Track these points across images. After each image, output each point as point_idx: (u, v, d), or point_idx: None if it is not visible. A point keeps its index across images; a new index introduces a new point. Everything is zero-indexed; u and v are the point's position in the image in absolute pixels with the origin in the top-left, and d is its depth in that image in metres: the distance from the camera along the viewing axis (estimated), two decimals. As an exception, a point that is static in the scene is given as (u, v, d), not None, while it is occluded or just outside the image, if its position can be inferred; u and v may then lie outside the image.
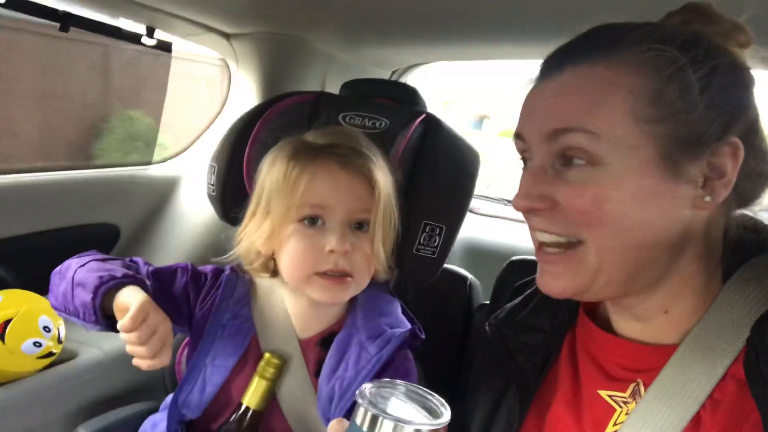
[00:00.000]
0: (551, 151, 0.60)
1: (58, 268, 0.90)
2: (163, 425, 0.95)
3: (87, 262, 0.86)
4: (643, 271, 0.60)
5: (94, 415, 1.14)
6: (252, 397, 0.84)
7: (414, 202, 0.94)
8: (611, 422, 0.63)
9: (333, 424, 0.58)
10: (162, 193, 1.49)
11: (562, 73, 0.60)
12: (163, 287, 0.92)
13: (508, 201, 2.04)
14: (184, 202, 1.49)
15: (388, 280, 0.96)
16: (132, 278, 0.82)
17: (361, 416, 0.49)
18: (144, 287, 0.82)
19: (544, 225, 0.61)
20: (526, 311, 0.76)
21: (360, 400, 0.50)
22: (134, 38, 1.27)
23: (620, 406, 0.63)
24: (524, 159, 0.65)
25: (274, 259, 0.89)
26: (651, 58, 0.56)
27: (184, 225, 1.47)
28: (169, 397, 1.02)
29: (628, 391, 0.63)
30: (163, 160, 1.54)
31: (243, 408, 0.84)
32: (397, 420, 0.48)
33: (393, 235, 0.89)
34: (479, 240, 1.88)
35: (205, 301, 0.93)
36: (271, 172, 0.87)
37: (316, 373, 0.88)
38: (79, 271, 0.84)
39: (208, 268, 0.98)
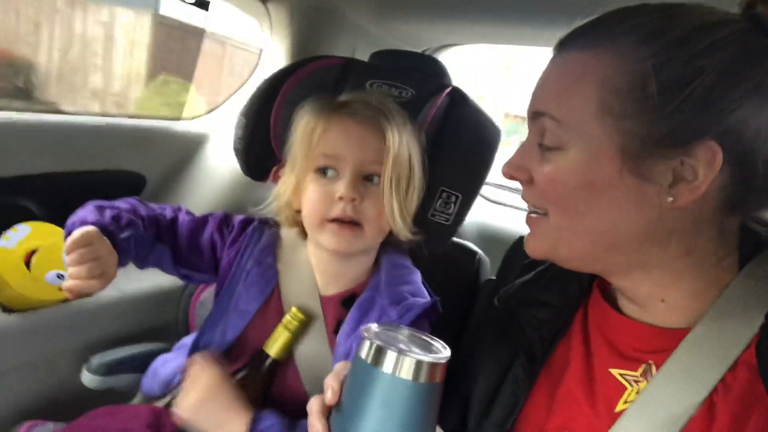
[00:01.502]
0: (535, 129, 0.63)
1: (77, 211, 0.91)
2: (174, 364, 0.99)
3: (87, 207, 0.89)
4: (609, 255, 0.62)
5: (107, 348, 1.19)
6: (274, 345, 0.87)
7: (432, 169, 0.96)
8: (621, 400, 0.63)
9: (338, 365, 0.60)
10: (189, 148, 1.52)
11: (557, 57, 0.63)
12: (191, 234, 0.97)
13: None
14: (210, 158, 1.53)
15: (411, 247, 0.98)
16: (94, 223, 0.83)
17: (366, 349, 0.51)
18: (111, 235, 0.82)
19: (524, 194, 0.67)
20: (538, 287, 0.77)
21: (365, 335, 0.51)
22: (174, -6, 1.30)
23: (631, 385, 0.63)
24: None
25: (300, 213, 0.93)
26: (629, 52, 0.55)
27: (208, 180, 1.50)
28: (185, 339, 1.06)
29: (640, 371, 0.63)
30: (193, 118, 1.58)
31: (264, 355, 0.87)
32: (401, 351, 0.49)
33: (413, 195, 0.92)
34: (492, 225, 1.90)
35: (231, 247, 0.97)
36: (297, 128, 0.92)
37: (335, 330, 0.90)
38: (75, 214, 0.88)
39: (238, 218, 1.02)
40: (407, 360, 0.49)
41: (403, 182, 0.89)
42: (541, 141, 0.62)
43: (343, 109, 0.90)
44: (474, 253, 1.22)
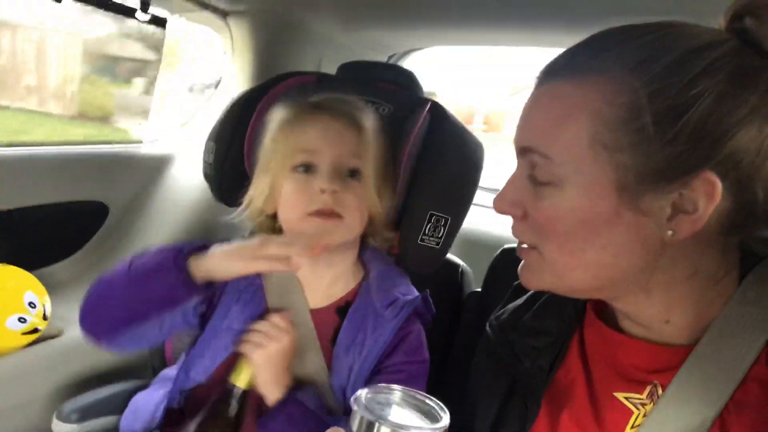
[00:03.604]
0: (524, 164, 0.60)
1: (92, 291, 0.87)
2: (156, 398, 0.94)
3: (129, 266, 0.85)
4: (612, 286, 0.60)
5: (79, 392, 1.12)
6: (240, 377, 0.84)
7: (420, 193, 0.95)
8: (629, 425, 0.61)
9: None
10: (154, 171, 1.46)
11: (544, 87, 0.59)
12: None
13: None
14: (176, 180, 1.47)
15: (392, 248, 0.97)
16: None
17: (357, 423, 0.48)
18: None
19: (515, 230, 0.63)
20: (531, 313, 0.74)
21: (355, 407, 0.48)
22: (128, 12, 1.24)
23: (638, 408, 0.62)
24: None
25: (277, 218, 0.92)
26: (621, 83, 0.52)
27: (176, 203, 1.44)
28: (165, 372, 1.01)
29: (645, 393, 0.61)
30: (156, 140, 1.51)
31: (231, 388, 0.83)
32: (394, 426, 0.46)
33: (392, 189, 0.92)
34: (472, 228, 1.88)
35: None
36: (270, 129, 0.91)
37: (332, 340, 0.89)
38: (134, 269, 0.84)
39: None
40: None
41: (381, 176, 0.89)
42: (533, 175, 0.59)
43: (318, 107, 0.89)
44: (457, 266, 1.20)
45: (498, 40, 1.47)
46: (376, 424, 0.46)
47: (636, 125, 0.52)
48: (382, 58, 1.63)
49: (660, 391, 0.60)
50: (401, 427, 0.46)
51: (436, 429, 0.47)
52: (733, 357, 0.57)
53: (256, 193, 0.91)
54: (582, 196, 0.55)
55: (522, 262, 0.65)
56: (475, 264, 1.22)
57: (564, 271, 0.59)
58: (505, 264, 1.12)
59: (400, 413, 0.50)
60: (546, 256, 0.60)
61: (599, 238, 0.56)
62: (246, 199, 0.93)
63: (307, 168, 0.87)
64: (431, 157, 0.97)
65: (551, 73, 0.59)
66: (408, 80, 1.10)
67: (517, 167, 0.62)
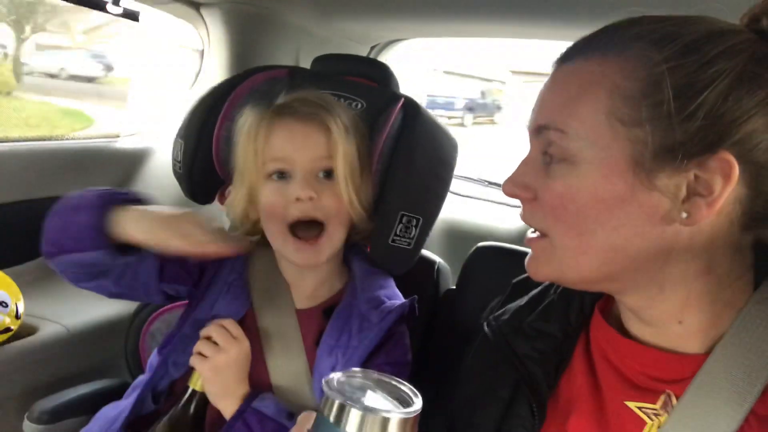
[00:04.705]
0: (539, 144, 0.59)
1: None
2: (116, 410, 0.93)
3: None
4: (623, 274, 0.57)
5: (52, 392, 1.10)
6: (199, 381, 0.83)
7: (391, 193, 0.93)
8: None
9: (302, 416, 0.56)
10: (131, 166, 1.44)
11: (561, 68, 0.59)
12: None
13: (489, 182, 2.02)
14: (154, 175, 1.45)
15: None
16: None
17: (328, 406, 0.47)
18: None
19: (524, 215, 0.62)
20: (535, 315, 0.72)
21: (327, 390, 0.47)
22: (99, 5, 1.21)
23: (651, 419, 0.59)
24: None
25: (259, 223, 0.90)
26: (640, 57, 0.52)
27: (155, 201, 1.42)
28: (138, 380, 0.99)
29: (659, 403, 0.59)
30: (133, 134, 1.49)
31: (191, 392, 0.83)
32: (365, 408, 0.46)
33: (367, 182, 0.90)
34: (454, 220, 1.87)
35: (216, 261, 0.93)
36: (239, 138, 0.89)
37: (316, 342, 0.88)
38: (73, 199, 0.82)
39: None
40: (373, 418, 0.45)
41: (356, 171, 0.88)
42: (547, 154, 0.58)
43: (283, 111, 0.87)
44: (432, 262, 1.18)
45: (485, 32, 1.44)
46: (347, 407, 0.46)
47: (654, 99, 0.51)
48: (364, 49, 1.60)
49: (674, 401, 0.57)
50: (372, 410, 0.46)
51: (408, 413, 0.47)
52: (751, 367, 0.54)
53: (236, 200, 0.90)
54: (596, 173, 0.54)
55: (530, 253, 0.63)
56: (454, 255, 1.21)
57: (574, 256, 0.57)
58: (479, 262, 1.11)
59: (372, 397, 0.49)
60: (556, 242, 0.58)
61: (612, 218, 0.54)
62: (227, 205, 0.93)
63: (281, 174, 0.86)
64: (403, 155, 0.94)
65: (567, 58, 0.59)
66: (382, 74, 1.08)
67: (530, 150, 0.61)
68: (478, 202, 1.96)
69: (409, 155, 0.94)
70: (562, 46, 0.60)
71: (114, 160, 1.41)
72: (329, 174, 0.86)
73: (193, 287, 0.94)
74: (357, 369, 0.52)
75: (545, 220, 0.58)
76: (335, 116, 0.87)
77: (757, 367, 0.54)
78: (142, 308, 1.17)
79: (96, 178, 1.38)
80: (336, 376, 0.50)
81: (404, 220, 0.93)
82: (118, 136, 1.47)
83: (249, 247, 0.86)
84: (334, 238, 0.87)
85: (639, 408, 0.60)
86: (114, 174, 1.42)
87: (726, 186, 0.51)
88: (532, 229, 0.62)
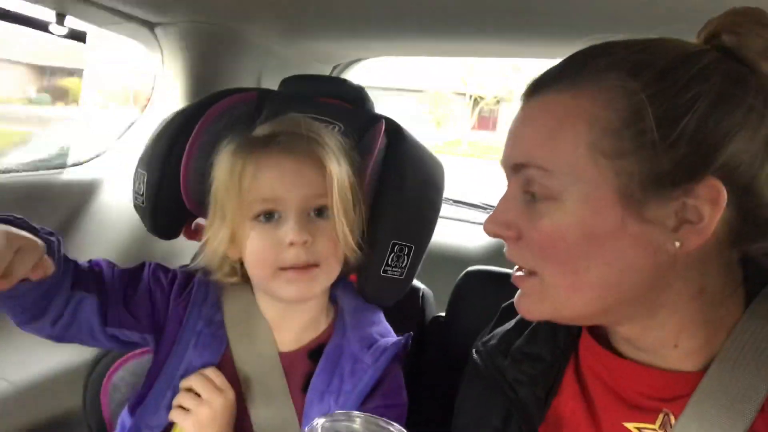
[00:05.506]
0: (518, 182, 0.57)
1: None
2: None
3: None
4: (618, 307, 0.57)
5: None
6: None
7: (381, 222, 0.87)
8: None
9: None
10: (78, 200, 1.32)
11: (533, 101, 0.58)
12: (122, 280, 0.84)
13: (469, 204, 2.01)
14: (104, 208, 1.33)
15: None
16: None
17: None
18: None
19: (510, 253, 0.60)
20: (523, 338, 0.70)
21: None
22: (41, 26, 1.11)
23: None
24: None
25: (243, 264, 0.83)
26: (618, 87, 0.52)
27: (107, 236, 1.31)
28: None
29: (658, 423, 0.58)
30: (81, 163, 1.37)
31: None
32: None
33: (360, 216, 0.84)
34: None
35: (178, 301, 0.85)
36: (218, 174, 0.81)
37: (304, 388, 0.81)
38: None
39: (178, 268, 0.89)
40: None
41: (350, 205, 0.82)
42: (528, 192, 0.56)
43: (271, 145, 0.80)
44: (417, 289, 1.14)
45: (450, 51, 1.43)
46: None
47: (636, 129, 0.51)
48: (327, 69, 1.55)
49: (672, 421, 0.57)
50: None
51: None
52: (749, 383, 0.54)
53: (216, 241, 0.82)
54: (584, 208, 0.53)
55: (519, 291, 0.61)
56: (433, 282, 1.16)
57: (567, 295, 0.56)
58: (469, 287, 1.07)
59: None
60: (547, 280, 0.56)
61: (604, 253, 0.53)
62: (203, 246, 0.85)
63: (270, 215, 0.79)
64: (392, 181, 0.90)
65: (539, 88, 0.57)
66: (357, 95, 1.03)
67: (509, 187, 0.59)
68: (449, 223, 1.94)
69: (398, 181, 0.89)
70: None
71: (59, 193, 1.29)
72: (321, 211, 0.80)
73: (151, 334, 0.85)
74: (340, 412, 0.49)
75: (533, 259, 0.57)
76: (329, 151, 0.80)
77: (753, 382, 0.54)
78: (103, 356, 1.06)
79: (39, 215, 1.25)
80: (320, 421, 0.48)
81: (396, 249, 0.88)
82: (62, 167, 1.35)
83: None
84: (328, 275, 0.82)
85: (638, 429, 0.59)
86: (60, 210, 1.29)
87: (715, 212, 0.51)
88: (516, 267, 0.61)
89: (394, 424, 0.50)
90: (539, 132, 0.56)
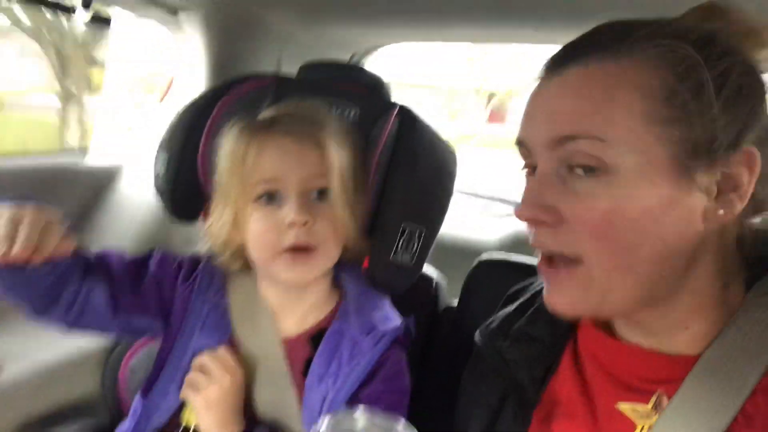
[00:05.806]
0: (556, 157, 0.55)
1: None
2: None
3: None
4: (655, 287, 0.55)
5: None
6: (188, 416, 0.81)
7: (391, 204, 0.87)
8: None
9: None
10: (98, 187, 1.34)
11: (568, 73, 0.55)
12: (131, 268, 0.87)
13: (479, 195, 1.99)
14: (124, 195, 1.35)
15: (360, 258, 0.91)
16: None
17: None
18: None
19: (544, 240, 0.56)
20: (523, 320, 0.70)
21: None
22: (68, 10, 1.12)
23: (642, 419, 0.58)
24: (529, 167, 0.60)
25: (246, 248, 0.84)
26: (663, 55, 0.52)
27: (125, 221, 1.32)
28: (121, 429, 0.90)
29: (651, 403, 0.58)
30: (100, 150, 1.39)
31: (182, 429, 0.81)
32: None
33: (361, 200, 0.85)
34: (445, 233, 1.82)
35: (184, 286, 0.87)
36: (223, 157, 0.82)
37: (305, 372, 0.82)
38: None
39: (185, 255, 0.91)
40: None
41: (351, 188, 0.83)
42: (574, 167, 0.54)
43: (274, 128, 0.81)
44: (430, 279, 1.13)
45: (468, 37, 1.41)
46: None
47: (684, 97, 0.51)
48: (345, 55, 1.55)
49: (665, 402, 0.57)
50: None
51: None
52: (742, 367, 0.55)
53: (219, 224, 0.83)
54: (640, 179, 0.52)
55: (550, 285, 0.58)
56: (448, 273, 1.15)
57: (618, 278, 0.54)
58: (482, 277, 1.05)
59: None
60: (594, 266, 0.54)
61: (654, 227, 0.52)
62: (207, 229, 0.86)
63: (271, 197, 0.80)
64: (402, 164, 0.89)
65: (577, 56, 0.55)
66: (374, 82, 1.03)
67: (541, 166, 0.56)
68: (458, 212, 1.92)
69: (409, 165, 0.89)
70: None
71: (80, 180, 1.31)
72: (322, 194, 0.81)
73: (160, 320, 0.87)
74: (344, 410, 0.50)
75: (579, 243, 0.54)
76: (329, 131, 0.81)
77: (748, 366, 0.54)
78: (120, 341, 1.07)
79: (60, 200, 1.27)
80: (324, 421, 0.48)
81: (406, 232, 0.87)
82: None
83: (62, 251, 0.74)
84: (326, 258, 0.83)
85: (632, 410, 0.59)
86: (80, 195, 1.31)
87: (752, 178, 0.52)
88: (542, 257, 0.58)
89: (399, 418, 0.49)
90: (587, 102, 0.53)
